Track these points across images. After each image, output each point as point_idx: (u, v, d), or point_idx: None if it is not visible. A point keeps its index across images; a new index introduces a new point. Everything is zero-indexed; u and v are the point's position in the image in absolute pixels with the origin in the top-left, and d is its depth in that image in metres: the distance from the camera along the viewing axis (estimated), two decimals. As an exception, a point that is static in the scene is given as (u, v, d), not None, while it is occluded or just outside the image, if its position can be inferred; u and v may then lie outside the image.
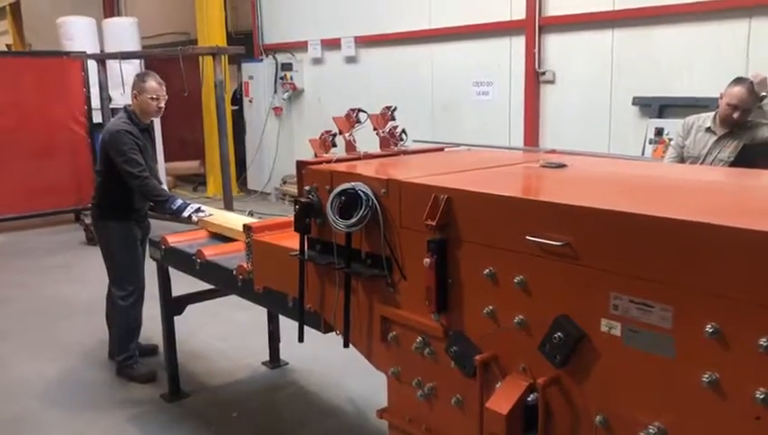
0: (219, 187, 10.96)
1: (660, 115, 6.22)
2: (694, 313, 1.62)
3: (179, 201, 4.34)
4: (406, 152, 3.15)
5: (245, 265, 3.36)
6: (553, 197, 1.95)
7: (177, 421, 4.08)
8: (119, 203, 4.49)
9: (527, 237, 1.94)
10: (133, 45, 10.70)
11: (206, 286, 4.12)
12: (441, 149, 3.32)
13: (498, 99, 7.84)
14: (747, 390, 1.53)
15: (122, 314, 4.54)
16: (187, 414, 4.17)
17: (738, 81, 4.48)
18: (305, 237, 2.74)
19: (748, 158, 4.29)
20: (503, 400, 2.01)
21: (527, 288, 1.99)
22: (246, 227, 3.34)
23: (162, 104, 4.53)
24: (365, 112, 3.16)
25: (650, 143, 5.89)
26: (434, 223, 2.17)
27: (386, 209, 2.40)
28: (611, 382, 1.82)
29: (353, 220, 2.43)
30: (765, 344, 1.50)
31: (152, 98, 4.45)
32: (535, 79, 7.35)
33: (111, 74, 9.49)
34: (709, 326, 1.58)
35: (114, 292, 4.57)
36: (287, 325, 4.54)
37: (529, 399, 2.00)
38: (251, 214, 4.73)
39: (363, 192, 2.42)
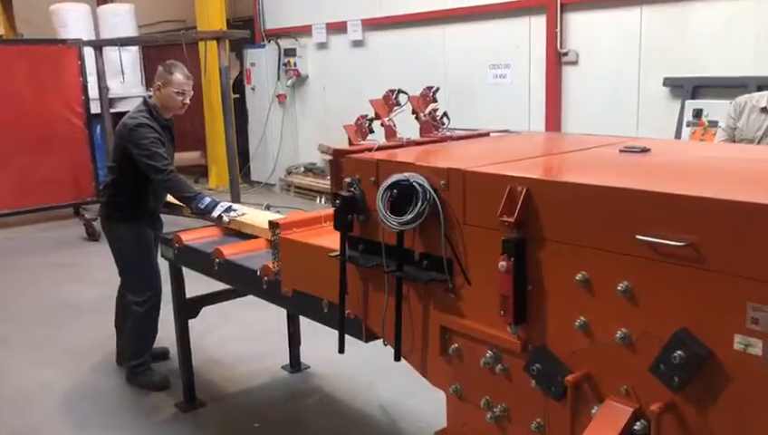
0: (222, 178, 10.65)
1: (694, 96, 5.89)
2: None
3: (208, 199, 3.93)
4: (452, 138, 2.82)
5: (271, 266, 3.04)
6: (668, 187, 1.62)
7: (195, 433, 3.77)
8: (132, 202, 4.13)
9: (637, 237, 1.61)
10: (129, 33, 10.30)
11: (219, 286, 3.82)
12: (487, 134, 2.99)
13: (517, 82, 7.49)
14: None
15: (137, 321, 4.20)
16: (205, 425, 3.86)
17: None
18: (346, 236, 2.41)
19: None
20: (605, 428, 1.70)
21: (634, 297, 1.66)
22: (273, 224, 3.02)
23: (188, 100, 4.13)
24: (405, 93, 2.82)
25: (687, 126, 5.57)
26: (512, 219, 1.85)
27: (446, 204, 2.07)
28: (748, 410, 1.51)
29: (409, 217, 2.10)
30: None
31: (178, 92, 4.06)
32: (557, 60, 7.00)
33: (108, 63, 9.13)
34: None
35: (129, 297, 4.22)
36: (306, 327, 4.26)
37: (636, 427, 1.68)
38: (268, 207, 4.42)
39: (419, 184, 2.09)
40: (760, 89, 4.51)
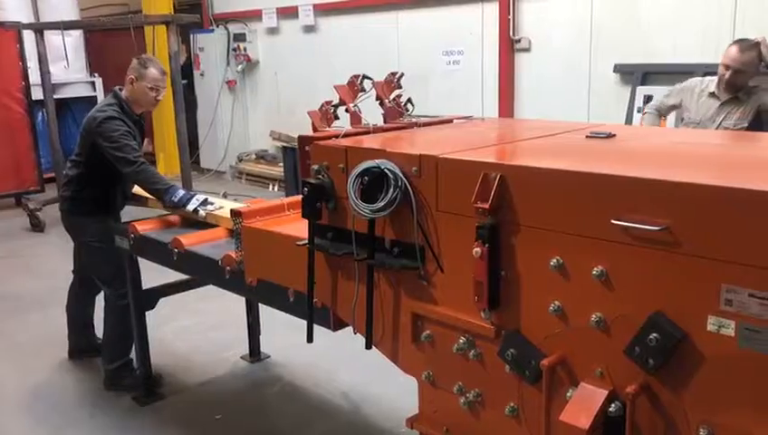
0: (170, 166, 10.41)
1: (644, 83, 6.02)
2: (841, 310, 1.34)
3: (181, 192, 3.73)
4: (417, 124, 2.80)
5: (234, 255, 2.98)
6: (642, 172, 1.64)
7: (155, 427, 3.69)
8: (99, 198, 3.94)
9: (612, 221, 1.63)
10: (71, 16, 9.92)
11: (175, 276, 3.73)
12: (450, 121, 2.99)
13: (470, 68, 7.52)
14: None
15: (119, 316, 3.96)
16: (165, 418, 3.78)
17: (736, 41, 4.32)
18: (315, 224, 2.37)
19: (761, 124, 4.12)
20: (580, 411, 1.72)
21: (608, 281, 1.69)
22: (235, 213, 2.95)
23: (161, 97, 3.97)
24: (370, 79, 2.79)
25: (638, 111, 5.69)
26: (486, 206, 1.85)
27: (418, 191, 2.06)
28: (720, 390, 1.55)
29: (381, 204, 2.08)
30: None
31: (151, 88, 3.88)
32: (510, 47, 7.05)
33: (50, 47, 8.77)
34: None
35: (109, 293, 4.00)
36: (265, 316, 4.21)
37: (611, 409, 1.71)
38: (225, 196, 4.34)
39: (391, 171, 2.07)
40: (707, 75, 4.64)
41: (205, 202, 3.65)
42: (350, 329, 2.44)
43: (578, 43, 6.58)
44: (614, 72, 6.34)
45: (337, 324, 2.58)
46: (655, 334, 1.59)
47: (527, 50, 7.01)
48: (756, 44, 4.18)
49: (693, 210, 1.52)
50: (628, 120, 5.88)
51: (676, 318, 1.58)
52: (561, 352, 1.82)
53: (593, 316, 1.72)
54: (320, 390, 4.01)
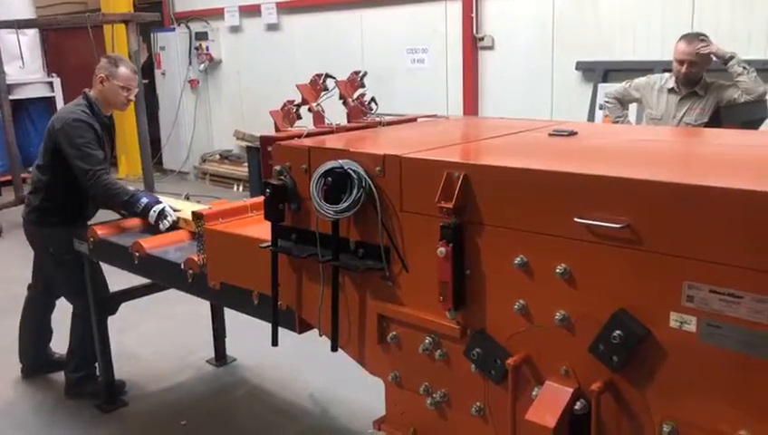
0: (132, 167, 10.24)
1: (605, 80, 6.09)
2: (799, 304, 1.36)
3: (144, 199, 3.55)
4: (381, 123, 2.78)
5: (196, 259, 2.93)
6: (604, 170, 1.65)
7: (118, 435, 3.61)
8: (67, 206, 3.74)
9: (575, 220, 1.63)
10: (26, 15, 9.66)
11: (137, 280, 3.65)
12: (415, 119, 2.98)
13: (434, 67, 7.53)
14: None
15: (84, 328, 3.83)
16: (129, 425, 3.71)
17: (683, 36, 4.40)
18: (278, 226, 2.34)
19: (720, 119, 4.19)
20: (545, 410, 1.72)
21: (572, 279, 1.69)
22: (197, 216, 2.90)
23: (132, 97, 3.82)
24: (333, 78, 2.77)
25: (600, 109, 5.76)
26: (450, 205, 1.84)
27: (382, 191, 2.04)
28: (683, 386, 1.56)
29: (345, 205, 2.06)
30: None
31: (123, 87, 3.72)
32: (473, 45, 7.08)
33: (5, 46, 8.54)
34: (822, 320, 1.33)
35: (77, 305, 3.86)
36: (231, 319, 4.15)
37: (576, 407, 1.71)
38: (187, 197, 4.27)
39: (355, 171, 2.05)
40: (666, 72, 4.71)
41: (162, 213, 3.50)
42: (316, 331, 2.41)
43: (540, 41, 6.64)
44: (576, 69, 6.42)
45: (302, 327, 2.54)
46: (618, 332, 1.60)
47: (491, 48, 7.05)
48: (702, 36, 4.27)
49: (653, 208, 1.53)
50: (591, 117, 5.95)
51: (640, 315, 1.59)
52: (527, 350, 1.82)
53: (557, 314, 1.72)
54: (286, 392, 3.97)
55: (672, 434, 1.58)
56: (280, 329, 2.47)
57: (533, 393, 1.79)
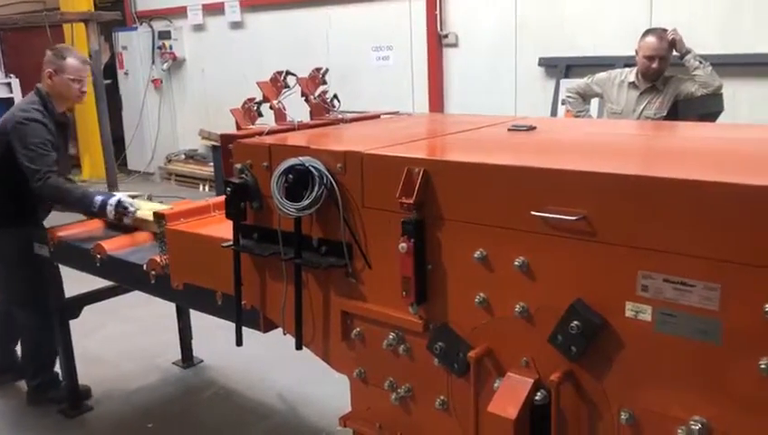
0: (96, 168, 10.05)
1: (567, 75, 6.17)
2: (747, 290, 1.40)
3: (99, 198, 3.39)
4: (343, 120, 2.78)
5: (159, 259, 2.90)
6: (559, 163, 1.67)
7: (83, 441, 3.56)
8: (19, 209, 3.56)
9: (532, 213, 1.65)
10: (-17, 14, 9.47)
11: (101, 283, 3.60)
12: (377, 116, 2.98)
13: (400, 64, 7.54)
14: (819, 376, 1.34)
15: (31, 337, 3.75)
16: (94, 430, 3.65)
17: (649, 32, 4.48)
18: (240, 225, 2.33)
19: (678, 113, 4.28)
20: (507, 401, 1.74)
21: (530, 272, 1.71)
22: (158, 216, 2.87)
23: (85, 88, 3.66)
24: (294, 75, 2.76)
25: (563, 104, 5.82)
26: (411, 201, 1.85)
27: (344, 188, 2.04)
28: (639, 374, 1.59)
29: (306, 202, 2.06)
30: (839, 323, 1.30)
31: (74, 79, 3.57)
32: (438, 42, 7.11)
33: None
34: (768, 306, 1.36)
35: (25, 317, 3.74)
36: (197, 320, 4.11)
37: (536, 398, 1.74)
38: (150, 198, 4.20)
39: (316, 168, 2.05)
40: (627, 66, 4.78)
41: (118, 205, 3.35)
42: (281, 330, 2.40)
43: (503, 38, 6.69)
44: (539, 65, 6.48)
45: (267, 326, 2.53)
46: (576, 322, 1.62)
47: (455, 45, 7.09)
48: (662, 29, 4.35)
49: (607, 199, 1.55)
50: (554, 113, 6.02)
51: (596, 305, 1.62)
52: (488, 343, 1.84)
53: (517, 307, 1.74)
54: (254, 392, 3.94)
55: (629, 421, 1.61)
56: (246, 329, 2.47)
57: (495, 385, 1.81)
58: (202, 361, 4.33)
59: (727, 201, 1.40)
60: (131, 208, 3.40)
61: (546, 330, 1.70)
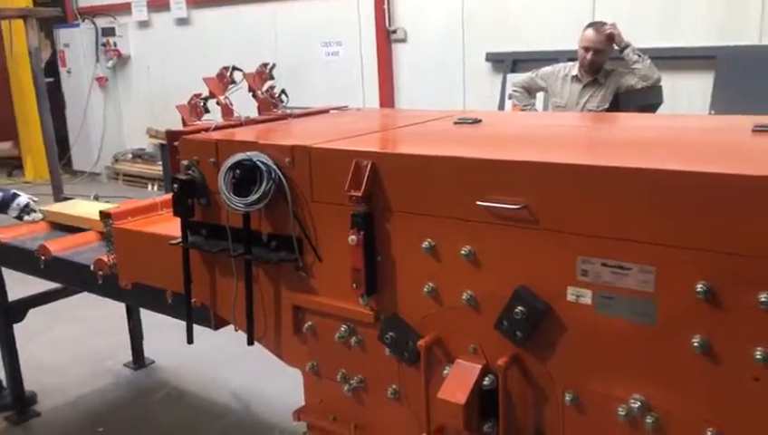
0: (39, 170, 9.79)
1: (513, 70, 6.27)
2: (680, 272, 1.46)
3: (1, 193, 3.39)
4: (292, 115, 2.78)
5: (106, 259, 2.85)
6: (502, 154, 1.71)
7: (31, 447, 3.48)
8: None
9: (477, 203, 1.69)
10: None
11: (47, 285, 3.53)
12: (326, 111, 2.99)
13: (349, 60, 7.56)
14: (746, 350, 1.40)
15: None
16: (42, 437, 3.58)
17: (589, 25, 4.60)
18: (188, 222, 2.31)
19: (619, 105, 4.40)
20: (456, 387, 1.78)
21: (476, 260, 1.75)
22: (104, 215, 2.82)
23: None
24: (240, 70, 2.74)
25: (510, 98, 5.92)
26: (359, 193, 1.87)
27: (292, 182, 2.05)
28: (581, 356, 1.65)
29: (254, 197, 2.05)
30: (764, 300, 1.37)
31: None
32: (386, 38, 7.15)
33: None
34: (700, 285, 1.43)
35: None
36: (148, 320, 4.06)
37: (485, 382, 1.78)
38: (96, 198, 4.13)
39: (264, 163, 2.05)
40: (570, 61, 4.90)
41: (26, 208, 3.33)
42: (234, 328, 2.39)
43: (451, 33, 6.77)
44: (486, 60, 6.58)
45: (218, 323, 2.52)
46: (521, 308, 1.67)
47: (403, 40, 7.14)
48: (602, 23, 4.48)
49: (547, 188, 1.60)
50: (501, 107, 6.12)
51: (540, 291, 1.66)
52: (437, 331, 1.87)
53: (464, 295, 1.77)
54: (207, 392, 3.92)
55: (573, 402, 1.67)
56: (197, 327, 2.45)
57: (445, 372, 1.85)
58: (154, 362, 4.28)
59: (660, 187, 1.46)
60: (35, 214, 3.40)
61: (493, 317, 1.74)
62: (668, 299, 1.49)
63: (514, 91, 4.98)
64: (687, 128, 2.13)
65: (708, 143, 1.85)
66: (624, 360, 1.58)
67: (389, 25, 7.10)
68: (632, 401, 1.57)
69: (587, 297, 1.60)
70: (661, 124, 2.27)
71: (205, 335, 2.47)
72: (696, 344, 1.46)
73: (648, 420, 1.55)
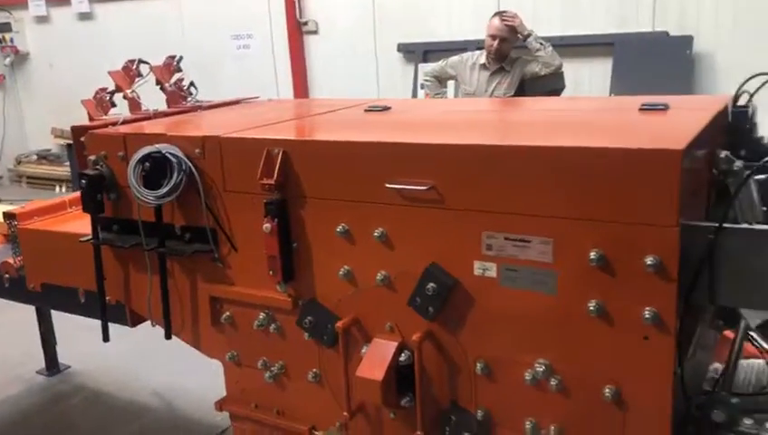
0: (-67, 174, 9.24)
1: (425, 60, 6.39)
2: (575, 242, 1.56)
3: None
4: (202, 107, 2.77)
5: (12, 261, 2.76)
6: (408, 137, 1.78)
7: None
8: None
9: (386, 185, 1.75)
10: None
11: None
12: (238, 102, 2.98)
13: (261, 52, 7.49)
14: (636, 312, 1.52)
15: None
16: (-50, 451, 3.42)
17: (495, 14, 4.75)
18: (98, 218, 2.27)
19: (524, 91, 4.57)
20: (373, 365, 1.83)
21: (389, 241, 1.81)
22: (8, 216, 2.73)
23: None
24: (147, 63, 2.71)
25: (422, 88, 6.03)
26: (272, 181, 1.89)
27: (203, 172, 2.05)
28: (490, 327, 1.73)
29: (165, 190, 2.05)
30: (650, 263, 1.48)
31: None
32: (298, 29, 7.13)
33: None
34: (593, 253, 1.53)
35: None
36: (61, 323, 3.92)
37: (401, 359, 1.85)
38: (-2, 200, 3.96)
39: (173, 155, 2.04)
40: (478, 49, 5.03)
41: None
42: (153, 326, 2.37)
43: (362, 24, 6.82)
44: (398, 51, 6.67)
45: (135, 320, 2.49)
46: (431, 284, 1.74)
47: (315, 32, 7.13)
48: (514, 15, 4.64)
49: (452, 168, 1.67)
50: (414, 96, 6.22)
51: (449, 267, 1.74)
52: (354, 313, 1.92)
53: (379, 275, 1.83)
54: (126, 392, 3.84)
55: (484, 370, 1.75)
56: (115, 328, 2.41)
57: (363, 352, 1.90)
58: (69, 366, 4.15)
59: (552, 162, 1.55)
60: None
61: (406, 295, 1.80)
62: (566, 268, 1.59)
63: (425, 80, 5.08)
64: (582, 109, 2.27)
65: (599, 122, 1.98)
66: (528, 328, 1.68)
67: (301, 17, 7.09)
68: (537, 365, 1.67)
69: (492, 271, 1.69)
70: (559, 107, 2.40)
71: (124, 334, 2.44)
72: (591, 309, 1.56)
73: (553, 382, 1.65)
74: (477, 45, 5.60)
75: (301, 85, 7.23)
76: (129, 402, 3.75)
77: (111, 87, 2.68)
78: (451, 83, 5.35)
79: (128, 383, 3.91)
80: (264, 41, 7.47)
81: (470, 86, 4.77)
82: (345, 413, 1.94)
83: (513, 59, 4.71)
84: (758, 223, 1.67)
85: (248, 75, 7.59)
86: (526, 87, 4.62)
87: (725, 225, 1.51)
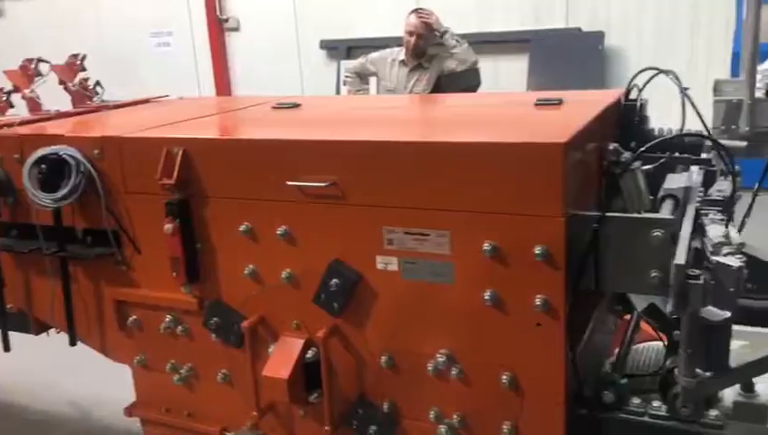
0: None
1: (348, 57, 6.40)
2: (469, 234, 1.60)
3: None
4: (108, 107, 2.70)
5: None
6: (311, 135, 1.78)
7: None
8: None
9: (287, 183, 1.75)
10: None
11: None
12: (147, 101, 2.92)
13: (182, 50, 7.35)
14: (529, 299, 1.57)
15: None
16: None
17: (413, 11, 4.81)
18: (-6, 223, 2.19)
19: (441, 87, 4.64)
20: (280, 364, 1.84)
21: (292, 239, 1.81)
22: None
23: None
24: (47, 62, 2.62)
25: (344, 84, 6.03)
26: (172, 181, 1.86)
27: (103, 174, 2.01)
28: (393, 320, 1.76)
29: (63, 192, 1.99)
30: (539, 252, 1.53)
31: None
32: (219, 26, 7.02)
33: None
34: (487, 244, 1.58)
35: None
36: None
37: (308, 356, 1.85)
38: None
39: (71, 156, 1.99)
40: (398, 46, 5.08)
41: None
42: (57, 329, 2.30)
43: (285, 22, 6.79)
44: (321, 48, 6.66)
45: (39, 328, 2.41)
46: (335, 280, 1.75)
47: (236, 29, 7.04)
48: (430, 13, 4.71)
49: (351, 164, 1.69)
50: (337, 92, 6.23)
51: (353, 262, 1.76)
52: (261, 311, 1.91)
53: (283, 273, 1.83)
54: (42, 404, 3.69)
55: (388, 363, 1.78)
56: (27, 338, 2.33)
57: (270, 350, 1.90)
58: (-25, 380, 3.96)
59: (446, 157, 1.59)
60: None
61: (312, 292, 1.81)
62: (462, 260, 1.63)
63: (347, 76, 5.10)
64: (483, 105, 2.32)
65: (495, 117, 2.03)
66: (429, 319, 1.71)
67: (221, 14, 6.99)
68: (439, 356, 1.70)
69: (394, 264, 1.72)
70: (463, 103, 2.45)
71: (37, 344, 2.35)
72: (487, 298, 1.61)
73: (454, 371, 1.69)
74: (399, 42, 5.66)
75: (223, 83, 7.13)
76: (45, 414, 3.61)
77: (9, 87, 2.59)
78: (373, 80, 5.38)
79: (42, 395, 3.76)
80: (184, 38, 7.33)
81: (390, 82, 4.81)
82: (254, 413, 1.93)
83: (431, 56, 4.77)
84: (646, 211, 1.76)
85: (168, 73, 7.43)
86: (443, 83, 4.69)
87: (607, 214, 1.58)
